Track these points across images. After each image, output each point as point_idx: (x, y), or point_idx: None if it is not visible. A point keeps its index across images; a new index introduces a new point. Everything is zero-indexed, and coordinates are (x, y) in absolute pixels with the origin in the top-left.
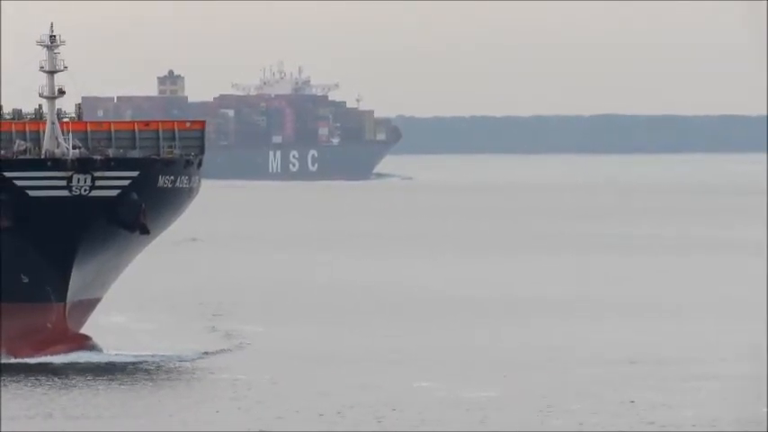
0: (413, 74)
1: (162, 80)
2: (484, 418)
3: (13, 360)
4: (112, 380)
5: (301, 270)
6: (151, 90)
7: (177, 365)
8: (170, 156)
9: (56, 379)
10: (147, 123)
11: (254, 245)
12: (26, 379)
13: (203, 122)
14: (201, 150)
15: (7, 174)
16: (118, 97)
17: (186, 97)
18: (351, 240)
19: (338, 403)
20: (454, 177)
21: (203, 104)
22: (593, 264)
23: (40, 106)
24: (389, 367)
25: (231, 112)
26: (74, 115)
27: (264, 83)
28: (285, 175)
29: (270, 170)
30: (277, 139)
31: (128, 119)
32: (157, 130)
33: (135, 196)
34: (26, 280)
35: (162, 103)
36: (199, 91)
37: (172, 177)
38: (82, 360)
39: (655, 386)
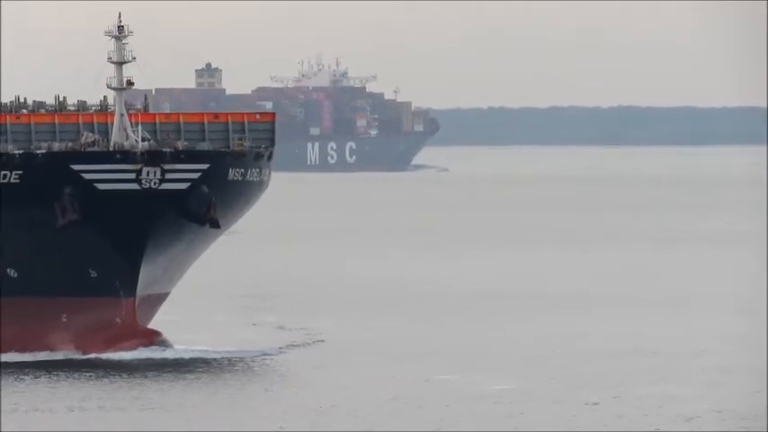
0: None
1: (200, 73)
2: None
3: (82, 356)
4: (184, 377)
5: (333, 263)
6: (189, 83)
7: (251, 362)
8: (240, 148)
9: (125, 375)
10: (216, 115)
11: (292, 237)
12: (99, 373)
13: (273, 114)
14: (272, 143)
15: (75, 167)
16: (156, 89)
17: (224, 90)
18: (384, 233)
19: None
20: (486, 169)
21: (241, 97)
22: (617, 257)
23: (105, 98)
24: (413, 360)
25: (269, 105)
26: (140, 107)
27: (302, 75)
28: (323, 166)
29: (308, 162)
30: (315, 131)
31: (166, 111)
32: (227, 123)
33: (205, 189)
34: (94, 274)
35: (200, 96)
36: (237, 84)
37: (242, 170)
38: (152, 356)
39: (668, 378)
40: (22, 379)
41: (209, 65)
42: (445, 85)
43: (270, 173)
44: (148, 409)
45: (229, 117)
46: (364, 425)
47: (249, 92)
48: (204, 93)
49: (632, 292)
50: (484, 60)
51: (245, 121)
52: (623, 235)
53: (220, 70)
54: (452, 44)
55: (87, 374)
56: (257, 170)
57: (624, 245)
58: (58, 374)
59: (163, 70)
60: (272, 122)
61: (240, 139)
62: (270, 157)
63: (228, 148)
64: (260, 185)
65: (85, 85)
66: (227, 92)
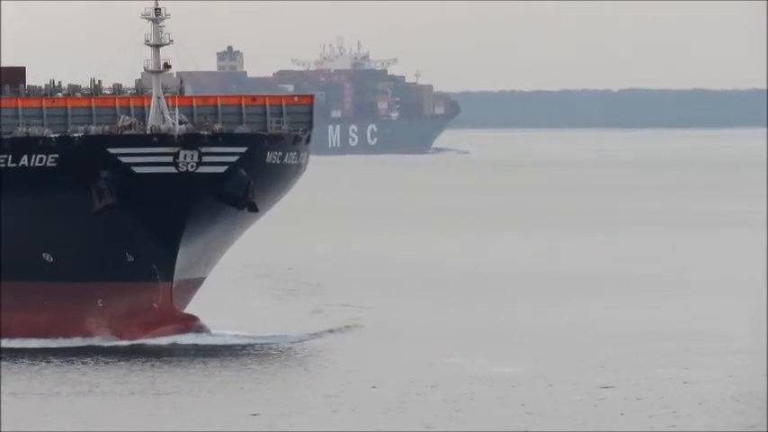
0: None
1: (221, 56)
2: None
3: (119, 341)
4: (222, 362)
5: (363, 245)
6: (210, 66)
7: (288, 347)
8: (278, 131)
9: (163, 360)
10: (254, 98)
11: (314, 219)
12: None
13: (312, 97)
14: (310, 126)
15: (112, 150)
16: (177, 72)
17: (245, 72)
18: (412, 215)
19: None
20: (506, 152)
21: (262, 80)
22: (633, 240)
23: (140, 81)
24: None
25: (291, 87)
26: (175, 90)
27: (324, 58)
28: (344, 149)
29: (329, 145)
30: (336, 113)
31: (188, 94)
32: (264, 105)
33: (243, 173)
34: (131, 259)
35: (221, 79)
36: (258, 67)
37: (280, 153)
38: (190, 341)
39: (679, 361)
40: (57, 364)
41: (230, 48)
42: (455, 68)
43: (308, 156)
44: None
45: (267, 100)
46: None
47: (270, 75)
48: (226, 76)
49: (649, 275)
50: (494, 43)
51: (283, 103)
52: (639, 218)
53: (242, 53)
54: (463, 26)
55: (124, 360)
56: (295, 153)
57: (640, 227)
58: (96, 359)
59: (195, 53)
60: (311, 105)
61: (278, 122)
62: (308, 140)
63: (266, 131)
64: (298, 168)
65: (120, 67)
66: (249, 75)
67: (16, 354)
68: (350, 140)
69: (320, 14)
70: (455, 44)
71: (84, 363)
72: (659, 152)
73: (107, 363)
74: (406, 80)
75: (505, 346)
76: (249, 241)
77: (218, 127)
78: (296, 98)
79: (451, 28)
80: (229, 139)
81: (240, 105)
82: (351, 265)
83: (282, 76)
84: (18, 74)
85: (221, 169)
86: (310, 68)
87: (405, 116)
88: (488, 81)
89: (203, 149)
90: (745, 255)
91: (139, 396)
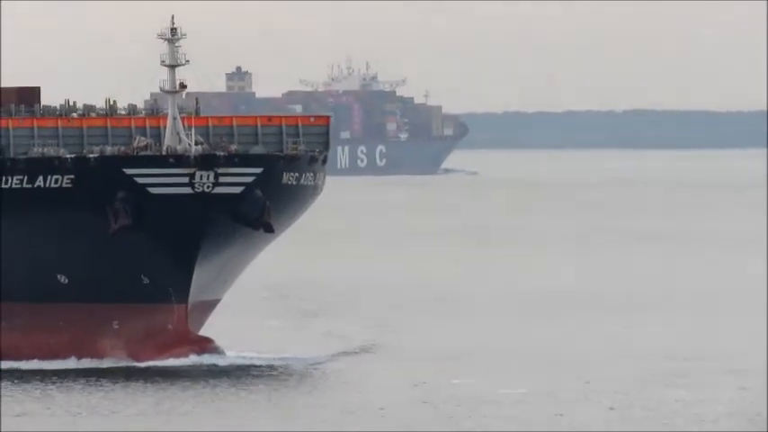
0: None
1: (230, 76)
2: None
3: (134, 363)
4: (237, 383)
5: (375, 265)
6: (219, 86)
7: (303, 368)
8: (294, 152)
9: (176, 381)
10: (270, 118)
11: (322, 239)
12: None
13: (328, 118)
14: (326, 146)
15: (127, 171)
16: (186, 93)
17: (254, 93)
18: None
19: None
20: (513, 172)
21: (271, 100)
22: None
23: (155, 100)
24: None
25: (299, 108)
26: (191, 111)
27: (332, 79)
28: (353, 170)
29: (338, 166)
30: (345, 134)
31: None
32: (281, 126)
33: (259, 193)
34: (146, 280)
35: (230, 100)
36: (266, 87)
37: (296, 174)
38: (204, 363)
39: (687, 383)
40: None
41: (239, 68)
42: (459, 90)
43: (324, 177)
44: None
45: (283, 120)
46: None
47: (279, 95)
48: (235, 96)
49: (658, 294)
50: (497, 65)
51: (300, 124)
52: (647, 237)
53: (250, 74)
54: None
55: (139, 382)
56: (311, 174)
57: (649, 246)
58: (113, 381)
59: (208, 74)
60: (327, 126)
61: (294, 142)
62: (324, 161)
63: (282, 151)
64: (314, 189)
65: (135, 87)
66: (257, 95)
67: (28, 375)
68: (359, 161)
69: (328, 35)
70: (459, 66)
71: (96, 384)
72: (663, 172)
73: (119, 383)
74: (415, 101)
75: (515, 366)
76: (265, 262)
77: (234, 147)
78: (312, 119)
79: (455, 49)
80: (245, 159)
81: (256, 126)
82: (365, 286)
83: (291, 96)
84: (33, 94)
85: (237, 190)
86: (319, 89)
87: (413, 137)
88: (492, 102)
89: (219, 170)
90: (760, 274)
91: (147, 416)
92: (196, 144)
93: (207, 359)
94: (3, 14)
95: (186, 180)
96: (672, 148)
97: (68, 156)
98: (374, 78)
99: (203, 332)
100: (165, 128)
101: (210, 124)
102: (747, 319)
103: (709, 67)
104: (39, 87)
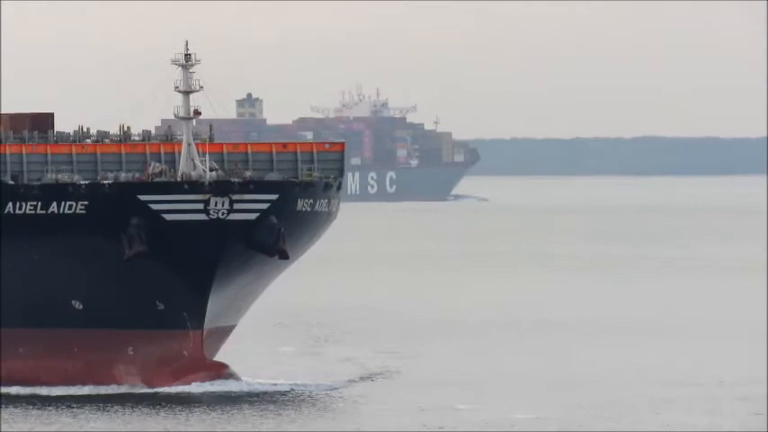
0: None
1: (240, 103)
2: None
3: (149, 390)
4: (251, 409)
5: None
6: (230, 113)
7: (320, 394)
8: (309, 179)
9: (191, 407)
10: (285, 145)
11: (333, 265)
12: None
13: (343, 144)
14: (341, 173)
15: (142, 197)
16: (197, 120)
17: (265, 120)
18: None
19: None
20: (523, 198)
21: (282, 127)
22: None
23: (169, 126)
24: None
25: (310, 135)
26: (206, 137)
27: (343, 105)
28: (364, 196)
29: (349, 192)
30: (356, 160)
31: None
32: (296, 152)
33: (274, 220)
34: (161, 306)
35: (241, 126)
36: (277, 114)
37: (311, 201)
38: (220, 389)
39: (704, 409)
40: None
41: (249, 95)
42: (468, 116)
43: (339, 203)
44: None
45: (298, 147)
46: None
47: (290, 122)
48: (246, 123)
49: (665, 320)
50: (505, 91)
51: (314, 150)
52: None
53: (261, 100)
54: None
55: (154, 408)
56: (326, 200)
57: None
58: (128, 407)
59: (222, 100)
60: (342, 152)
61: (309, 169)
62: (339, 188)
63: (297, 178)
64: (329, 216)
65: (148, 114)
66: (268, 122)
67: (41, 401)
68: (369, 188)
69: (339, 62)
70: (468, 93)
71: (111, 409)
72: (673, 198)
73: (134, 409)
74: (425, 127)
75: (523, 392)
76: (280, 288)
77: (248, 174)
78: (327, 145)
79: (465, 75)
80: (260, 186)
81: (271, 152)
82: (379, 312)
83: (302, 123)
84: (46, 120)
85: (252, 216)
86: (330, 116)
87: (424, 163)
88: (501, 129)
89: (234, 197)
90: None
91: None
92: (211, 170)
93: (222, 385)
94: (14, 42)
95: (201, 206)
96: (680, 175)
97: (82, 182)
98: (384, 105)
99: (218, 358)
100: (179, 154)
101: (225, 151)
102: (757, 346)
103: (716, 94)
104: (52, 113)
